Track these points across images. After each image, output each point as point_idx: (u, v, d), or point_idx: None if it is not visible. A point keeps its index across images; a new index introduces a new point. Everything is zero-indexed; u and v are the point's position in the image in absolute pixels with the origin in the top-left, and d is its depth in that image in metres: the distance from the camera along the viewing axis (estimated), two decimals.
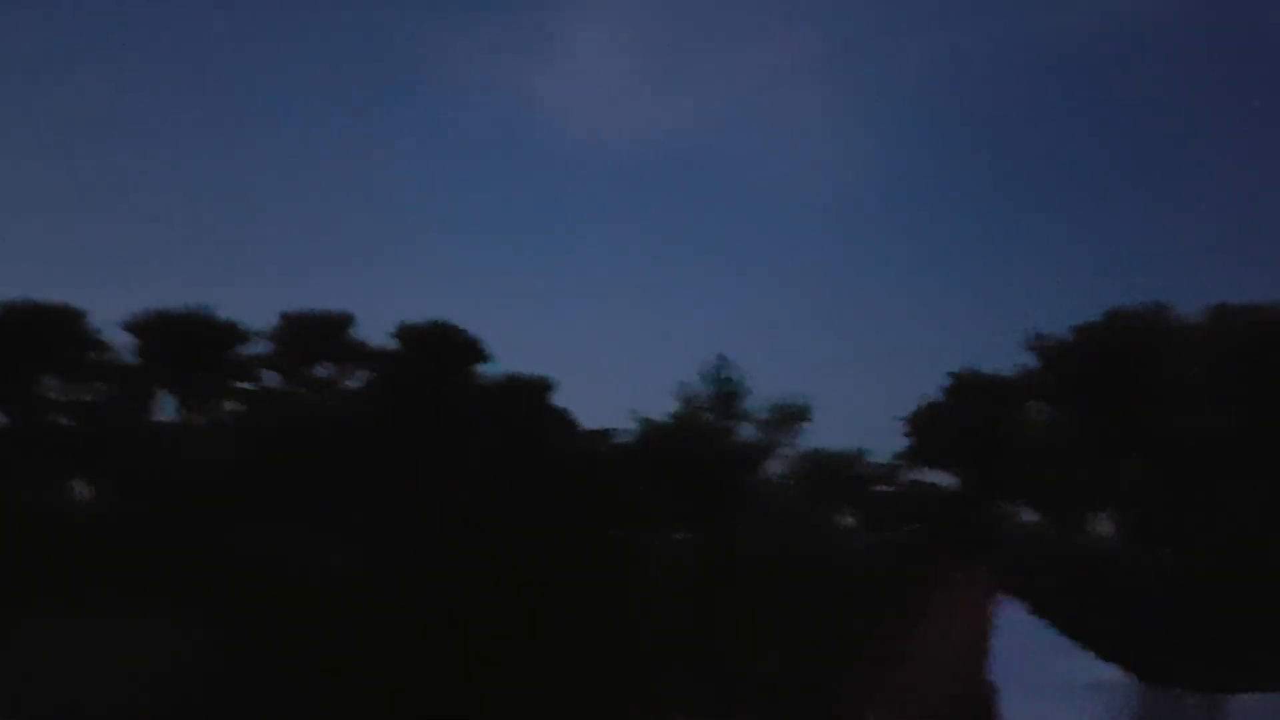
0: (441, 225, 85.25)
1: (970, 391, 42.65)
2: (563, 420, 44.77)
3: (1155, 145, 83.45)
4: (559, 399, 45.02)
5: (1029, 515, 42.55)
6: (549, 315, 76.33)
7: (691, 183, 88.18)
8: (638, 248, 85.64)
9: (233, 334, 44.33)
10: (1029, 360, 42.27)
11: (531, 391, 44.67)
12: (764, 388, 44.53)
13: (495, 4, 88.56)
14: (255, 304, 64.65)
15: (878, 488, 43.42)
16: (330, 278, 76.45)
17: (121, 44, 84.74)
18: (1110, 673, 15.39)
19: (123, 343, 43.91)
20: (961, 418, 42.46)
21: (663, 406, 44.82)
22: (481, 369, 45.10)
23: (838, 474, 43.48)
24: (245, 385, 44.73)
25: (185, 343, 43.52)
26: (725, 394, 44.58)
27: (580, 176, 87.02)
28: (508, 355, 47.50)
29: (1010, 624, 15.44)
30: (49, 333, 43.16)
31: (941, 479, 42.95)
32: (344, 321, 44.89)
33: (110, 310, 44.34)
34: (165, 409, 44.14)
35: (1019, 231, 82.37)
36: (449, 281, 76.85)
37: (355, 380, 45.33)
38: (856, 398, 64.25)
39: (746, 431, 44.64)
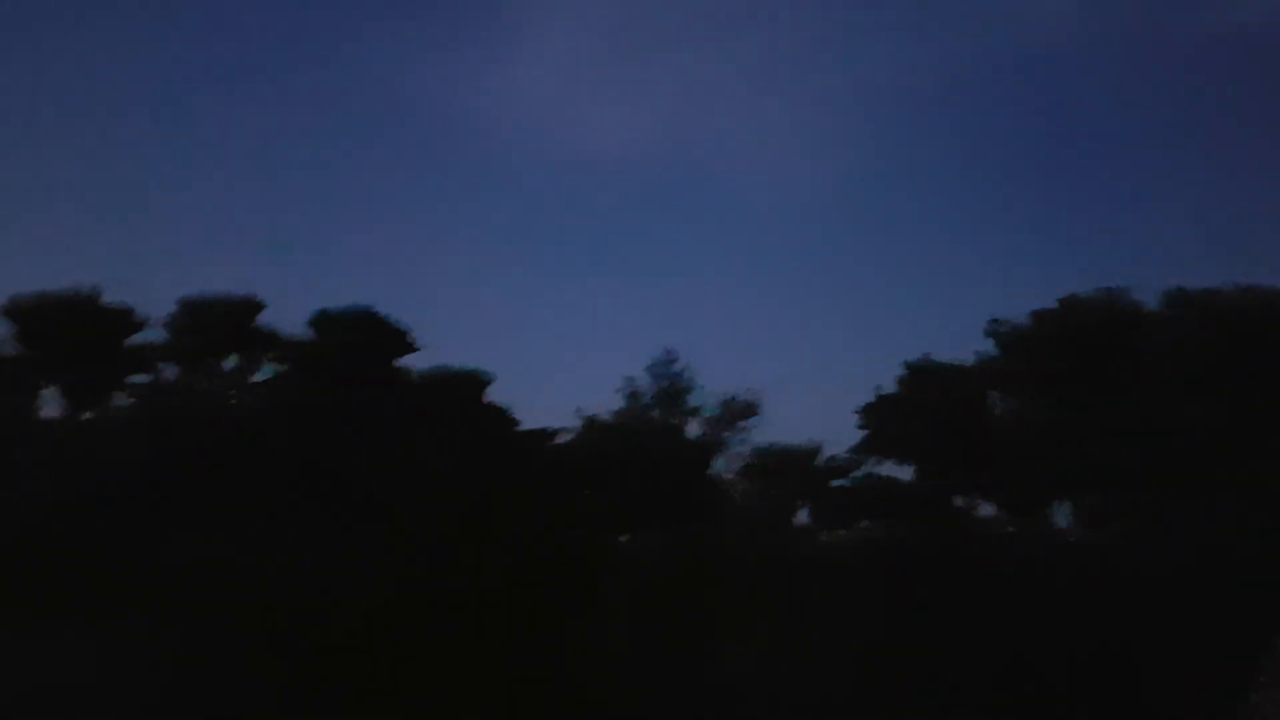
0: (372, 217, 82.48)
1: (927, 380, 41.39)
2: (500, 418, 41.20)
3: (1111, 134, 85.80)
4: (495, 394, 41.57)
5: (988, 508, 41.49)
6: (486, 311, 72.98)
7: (633, 180, 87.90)
8: (577, 244, 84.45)
9: (125, 321, 39.27)
10: (987, 348, 41.42)
11: (465, 386, 40.97)
12: (713, 382, 42.38)
13: (450, 10, 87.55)
14: (150, 288, 58.52)
15: (834, 482, 41.54)
16: (234, 262, 71.39)
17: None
18: None
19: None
20: (918, 407, 41.18)
21: (608, 403, 42.15)
22: (409, 361, 41.19)
23: (792, 469, 41.44)
24: (140, 377, 39.55)
25: (72, 329, 38.22)
26: (673, 389, 42.04)
27: (521, 174, 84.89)
28: (439, 349, 43.51)
29: None
30: None
31: (899, 471, 41.47)
32: (251, 308, 40.38)
33: None
34: (50, 403, 38.67)
35: (974, 219, 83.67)
36: (376, 273, 72.41)
37: (264, 372, 40.65)
38: (810, 391, 62.25)
39: (695, 428, 42.23)
